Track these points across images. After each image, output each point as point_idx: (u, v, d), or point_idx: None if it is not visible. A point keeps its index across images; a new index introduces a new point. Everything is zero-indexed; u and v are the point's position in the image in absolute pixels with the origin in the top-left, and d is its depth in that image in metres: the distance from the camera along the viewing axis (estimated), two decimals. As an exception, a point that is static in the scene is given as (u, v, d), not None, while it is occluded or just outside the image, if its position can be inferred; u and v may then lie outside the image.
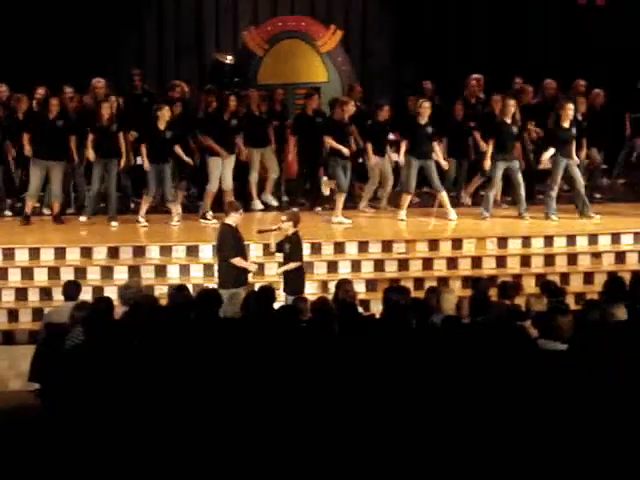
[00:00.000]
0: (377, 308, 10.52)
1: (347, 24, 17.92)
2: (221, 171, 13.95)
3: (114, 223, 13.68)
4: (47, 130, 13.64)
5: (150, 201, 13.82)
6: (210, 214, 13.84)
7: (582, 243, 13.03)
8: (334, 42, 16.78)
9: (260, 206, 14.93)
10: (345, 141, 13.84)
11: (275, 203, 15.02)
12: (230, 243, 10.70)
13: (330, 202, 14.32)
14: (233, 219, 10.80)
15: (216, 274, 11.01)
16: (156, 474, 6.58)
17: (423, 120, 13.83)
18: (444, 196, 13.91)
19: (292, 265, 10.71)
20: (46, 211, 14.40)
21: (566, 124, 13.78)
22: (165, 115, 13.63)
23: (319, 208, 14.68)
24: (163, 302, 9.47)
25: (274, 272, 11.71)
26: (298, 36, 16.78)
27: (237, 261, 10.64)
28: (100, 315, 7.93)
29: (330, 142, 13.69)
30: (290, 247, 10.77)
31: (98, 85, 14.75)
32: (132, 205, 14.73)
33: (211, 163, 13.98)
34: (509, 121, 13.93)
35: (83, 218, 13.82)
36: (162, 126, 13.61)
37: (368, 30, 18.46)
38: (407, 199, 13.87)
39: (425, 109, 13.83)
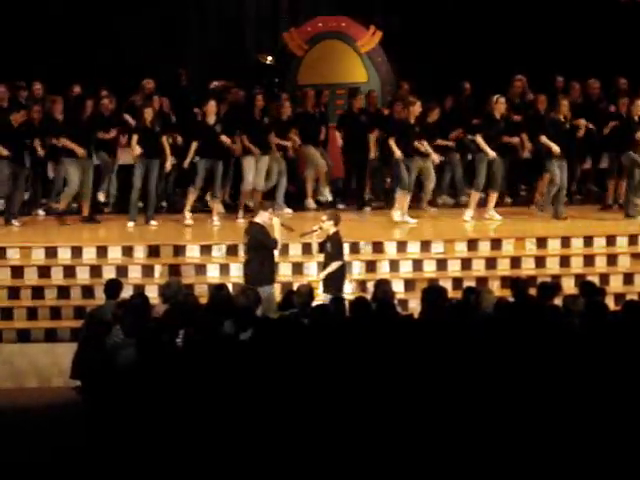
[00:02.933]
0: (415, 308, 10.52)
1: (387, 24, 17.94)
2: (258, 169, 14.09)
3: (153, 222, 13.79)
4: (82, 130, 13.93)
5: (195, 195, 13.90)
6: (241, 213, 14.01)
7: (622, 244, 12.96)
8: (374, 42, 16.79)
9: (314, 205, 15.04)
10: (409, 142, 13.80)
11: (331, 198, 15.09)
12: (265, 238, 10.69)
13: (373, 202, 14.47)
14: (262, 218, 10.81)
15: (242, 272, 11.00)
16: (195, 471, 6.64)
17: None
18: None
19: (334, 266, 10.71)
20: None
21: None
22: (212, 109, 13.73)
23: (368, 208, 14.74)
24: (203, 301, 9.55)
25: (312, 272, 11.76)
26: (338, 36, 16.82)
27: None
28: (135, 311, 8.01)
29: (391, 144, 13.71)
30: (331, 246, 10.78)
31: (148, 85, 14.90)
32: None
33: (245, 162, 14.09)
34: (562, 119, 13.95)
35: (131, 224, 13.80)
36: (211, 120, 13.71)
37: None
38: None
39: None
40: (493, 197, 14.07)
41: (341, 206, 15.06)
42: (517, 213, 14.60)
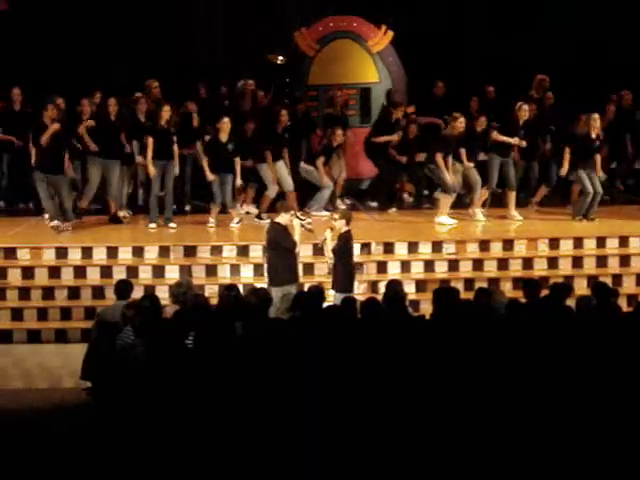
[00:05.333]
0: (427, 309, 10.49)
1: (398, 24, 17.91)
2: (279, 174, 14.12)
3: (172, 225, 13.76)
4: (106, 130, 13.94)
5: (217, 209, 13.88)
6: (265, 215, 13.97)
7: (635, 245, 12.90)
8: (385, 42, 16.76)
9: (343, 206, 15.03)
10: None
11: (343, 206, 15.08)
12: (285, 239, 10.77)
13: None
14: (284, 219, 10.89)
15: (265, 272, 11.10)
16: (205, 471, 6.63)
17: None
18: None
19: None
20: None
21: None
22: (226, 127, 13.72)
23: (393, 209, 14.81)
24: (213, 302, 9.53)
25: (324, 272, 11.75)
26: (349, 36, 16.78)
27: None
28: (145, 312, 8.00)
29: (438, 160, 13.74)
30: (340, 245, 10.79)
31: (153, 85, 14.89)
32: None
33: (262, 169, 14.12)
34: (593, 136, 14.07)
35: (153, 225, 13.71)
36: (224, 138, 13.72)
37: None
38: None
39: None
40: (512, 197, 14.20)
41: (373, 204, 15.30)
42: (530, 214, 14.55)
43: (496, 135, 14.20)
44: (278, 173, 14.17)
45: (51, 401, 10.28)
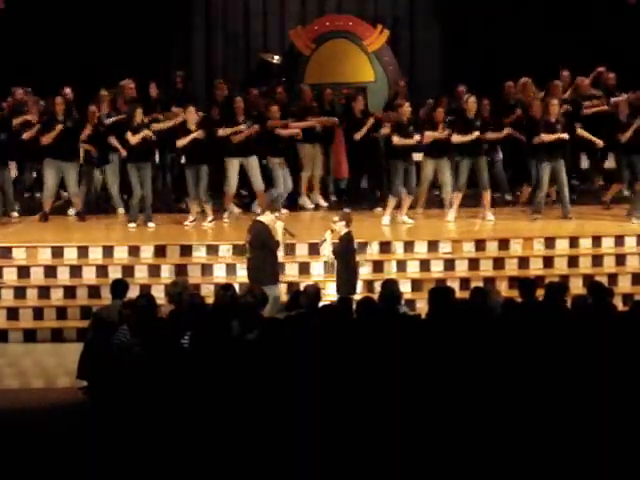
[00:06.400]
0: (423, 308, 10.50)
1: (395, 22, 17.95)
2: (249, 173, 14.06)
3: (151, 224, 13.75)
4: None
5: (196, 205, 13.88)
6: (227, 214, 14.05)
7: (630, 244, 12.92)
8: (381, 41, 16.78)
9: (310, 205, 14.98)
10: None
11: (324, 204, 15.05)
12: (268, 238, 10.64)
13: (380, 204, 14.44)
14: (267, 218, 10.74)
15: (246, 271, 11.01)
16: (202, 471, 6.63)
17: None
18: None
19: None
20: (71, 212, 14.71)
21: None
22: (191, 116, 13.69)
23: (380, 209, 14.73)
24: (209, 301, 9.53)
25: (319, 272, 11.76)
26: (345, 36, 16.82)
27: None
28: (141, 312, 8.00)
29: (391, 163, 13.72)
30: (341, 247, 10.75)
31: (129, 86, 14.88)
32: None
33: (228, 164, 14.05)
34: (552, 120, 13.86)
35: (132, 225, 13.70)
36: (192, 127, 13.68)
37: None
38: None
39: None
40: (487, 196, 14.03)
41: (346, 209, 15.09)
42: (525, 213, 14.55)
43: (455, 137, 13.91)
44: (249, 171, 14.10)
45: (47, 400, 10.25)
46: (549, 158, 13.74)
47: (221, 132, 13.93)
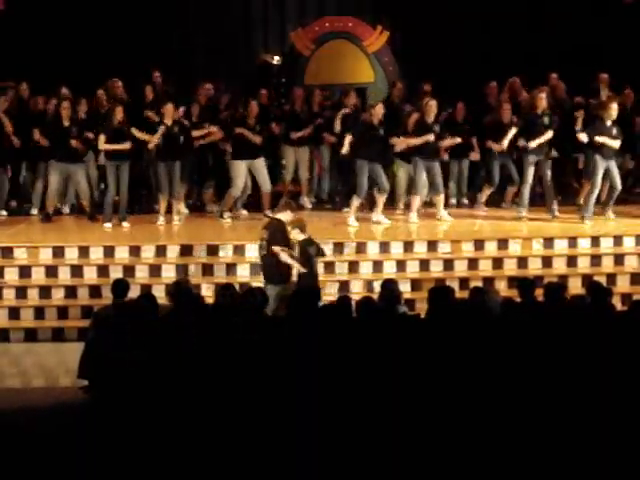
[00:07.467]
0: (422, 308, 10.52)
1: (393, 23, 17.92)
2: (255, 174, 14.08)
3: (125, 224, 13.76)
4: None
5: (166, 201, 13.91)
6: (228, 214, 14.06)
7: (629, 244, 12.94)
8: (381, 42, 16.80)
9: (309, 205, 14.98)
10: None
11: (309, 205, 15.06)
12: (279, 238, 10.66)
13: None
14: (286, 217, 10.77)
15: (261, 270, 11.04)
16: (203, 470, 6.66)
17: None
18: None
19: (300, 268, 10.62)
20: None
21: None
22: (169, 112, 13.71)
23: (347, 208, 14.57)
24: (210, 301, 9.55)
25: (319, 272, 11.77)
26: (345, 36, 16.85)
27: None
28: (142, 311, 8.03)
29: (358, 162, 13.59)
30: (300, 254, 10.62)
31: (116, 85, 14.88)
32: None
33: (234, 166, 14.06)
34: (539, 112, 13.89)
35: (108, 225, 13.68)
36: (169, 122, 13.71)
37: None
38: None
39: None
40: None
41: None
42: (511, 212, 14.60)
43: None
44: (256, 171, 14.11)
45: (48, 400, 10.28)
46: (537, 154, 13.85)
47: (196, 133, 14.10)
